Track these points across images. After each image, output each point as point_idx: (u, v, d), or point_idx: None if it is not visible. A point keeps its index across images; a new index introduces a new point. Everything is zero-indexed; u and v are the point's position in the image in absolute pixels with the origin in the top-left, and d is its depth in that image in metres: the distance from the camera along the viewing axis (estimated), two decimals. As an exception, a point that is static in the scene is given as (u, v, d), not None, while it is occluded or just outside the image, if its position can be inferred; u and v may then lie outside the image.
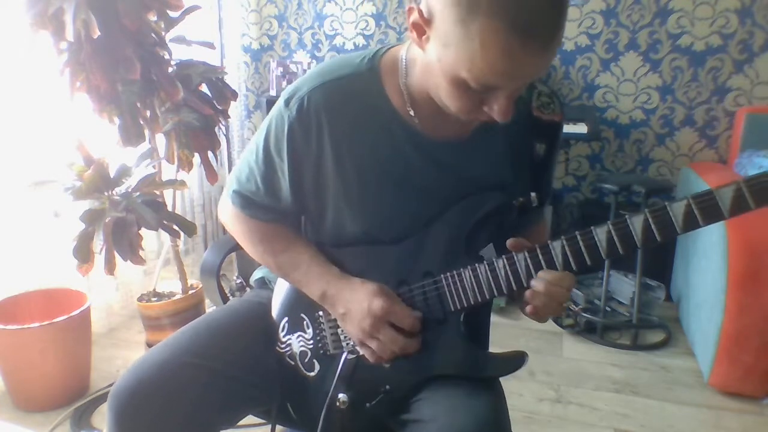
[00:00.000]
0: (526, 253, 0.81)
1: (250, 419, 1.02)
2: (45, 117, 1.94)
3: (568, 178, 2.90)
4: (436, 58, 0.72)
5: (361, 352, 0.89)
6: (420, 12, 0.71)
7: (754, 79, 2.52)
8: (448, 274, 0.86)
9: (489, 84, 0.70)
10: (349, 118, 0.85)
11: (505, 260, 0.82)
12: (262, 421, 1.05)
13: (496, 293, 0.84)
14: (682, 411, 1.80)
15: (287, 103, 0.86)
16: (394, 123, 0.86)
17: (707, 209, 0.72)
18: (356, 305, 0.87)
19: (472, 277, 0.84)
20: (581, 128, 2.33)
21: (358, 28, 3.00)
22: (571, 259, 0.79)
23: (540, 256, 0.80)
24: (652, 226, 0.74)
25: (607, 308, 2.30)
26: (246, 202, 0.97)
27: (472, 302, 0.85)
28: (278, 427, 1.07)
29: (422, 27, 0.72)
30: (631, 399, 1.87)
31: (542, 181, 0.95)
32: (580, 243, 0.78)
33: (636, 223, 0.74)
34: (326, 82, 0.85)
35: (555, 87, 2.77)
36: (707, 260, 1.95)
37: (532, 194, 0.89)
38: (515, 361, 0.86)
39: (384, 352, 0.85)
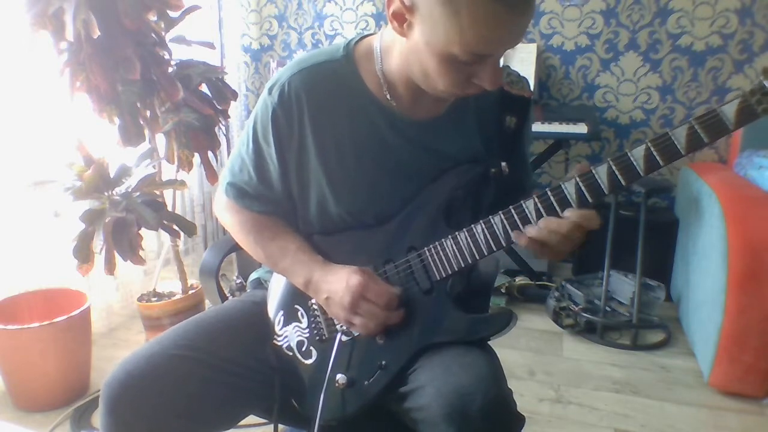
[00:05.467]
0: (501, 215, 0.85)
1: (250, 419, 1.02)
2: (45, 117, 1.94)
3: (568, 178, 2.90)
4: (423, 42, 0.77)
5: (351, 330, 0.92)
6: (401, 1, 0.76)
7: (754, 79, 2.51)
8: (431, 245, 0.90)
9: (480, 53, 0.76)
10: (328, 99, 0.90)
11: (482, 224, 0.86)
12: (264, 420, 1.05)
13: (477, 257, 0.87)
14: (682, 411, 1.80)
15: (270, 91, 0.91)
16: (370, 104, 0.91)
17: (665, 149, 0.76)
18: (336, 286, 0.90)
19: (453, 244, 0.88)
20: (581, 128, 2.33)
21: (358, 28, 3.00)
22: (544, 215, 0.82)
23: (514, 216, 0.84)
24: (616, 172, 0.78)
25: (607, 308, 2.30)
26: (239, 193, 1.00)
27: (456, 268, 0.89)
28: (281, 427, 1.06)
29: (403, 15, 0.77)
30: (631, 399, 1.87)
31: (514, 154, 0.98)
32: (552, 198, 0.82)
33: (601, 172, 0.79)
34: (304, 68, 0.90)
35: (555, 87, 2.77)
36: (707, 260, 1.95)
37: (503, 164, 0.94)
38: (503, 318, 0.89)
39: (367, 326, 0.88)
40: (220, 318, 1.00)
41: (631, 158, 0.77)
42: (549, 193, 0.82)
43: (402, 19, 0.78)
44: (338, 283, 0.90)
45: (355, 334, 0.93)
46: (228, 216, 1.04)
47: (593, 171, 0.80)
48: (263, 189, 0.98)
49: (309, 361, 0.96)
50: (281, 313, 1.01)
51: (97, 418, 1.74)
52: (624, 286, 2.37)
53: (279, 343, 0.99)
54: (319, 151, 0.92)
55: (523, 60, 2.55)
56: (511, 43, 0.77)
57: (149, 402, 0.84)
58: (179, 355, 0.88)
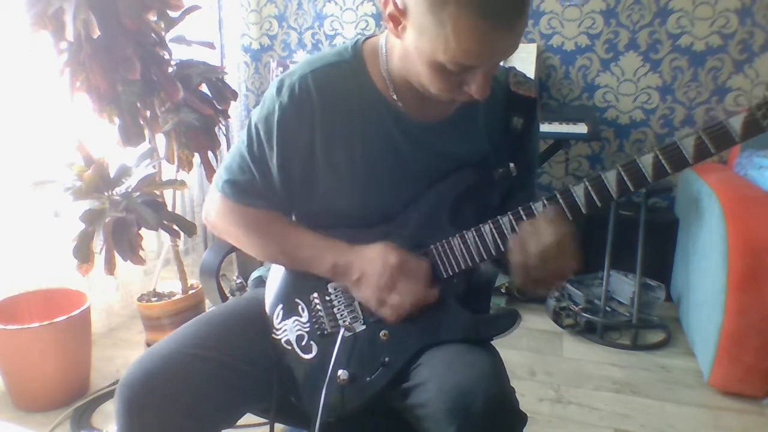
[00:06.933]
0: (510, 215, 0.86)
1: (250, 419, 1.02)
2: (45, 117, 1.94)
3: (568, 178, 2.90)
4: (413, 46, 0.78)
5: (379, 314, 0.90)
6: (395, 3, 0.76)
7: (754, 79, 2.52)
8: (438, 243, 0.90)
9: (464, 64, 0.75)
10: (339, 100, 0.90)
11: (491, 224, 0.87)
12: (263, 420, 1.05)
13: (485, 256, 0.88)
14: (682, 411, 1.80)
15: (279, 91, 0.90)
16: (379, 105, 0.91)
17: (673, 158, 0.78)
18: (370, 266, 0.89)
19: (460, 243, 0.89)
20: (581, 128, 2.33)
21: (358, 28, 3.00)
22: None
23: (523, 216, 0.85)
24: (625, 178, 0.80)
25: (607, 308, 2.30)
26: (239, 190, 0.98)
27: (463, 267, 0.89)
28: (277, 427, 1.06)
29: (398, 17, 0.77)
30: (631, 399, 1.87)
31: (521, 154, 0.98)
32: (561, 201, 0.83)
33: (610, 176, 0.81)
34: (316, 68, 0.90)
35: (555, 87, 2.77)
36: (707, 260, 1.95)
37: (511, 165, 0.94)
38: (508, 318, 0.89)
39: (402, 305, 0.87)
40: (229, 316, 0.99)
41: (640, 165, 0.79)
42: (558, 195, 0.82)
43: (397, 21, 0.78)
44: (371, 264, 0.89)
45: (357, 330, 0.92)
46: (224, 217, 1.01)
47: (602, 176, 0.80)
48: (265, 187, 0.97)
49: (308, 356, 0.95)
50: (280, 306, 0.99)
51: (97, 418, 1.74)
52: (624, 286, 2.37)
53: (278, 337, 0.98)
54: (329, 153, 0.91)
55: (523, 60, 2.55)
56: (498, 57, 0.77)
57: (166, 401, 0.84)
58: (192, 354, 0.88)
